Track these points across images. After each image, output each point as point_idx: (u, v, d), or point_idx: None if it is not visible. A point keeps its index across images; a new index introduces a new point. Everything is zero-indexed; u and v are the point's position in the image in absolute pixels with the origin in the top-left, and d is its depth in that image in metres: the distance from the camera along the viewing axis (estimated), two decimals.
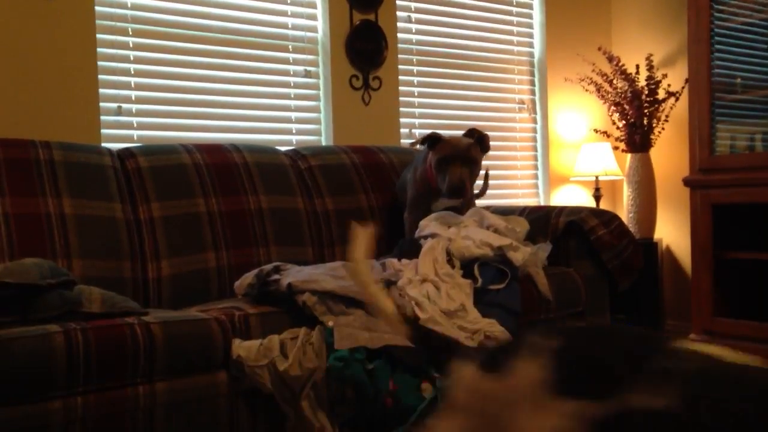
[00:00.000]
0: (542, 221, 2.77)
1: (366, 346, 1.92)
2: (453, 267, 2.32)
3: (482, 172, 2.87)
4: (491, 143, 3.97)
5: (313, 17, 3.39)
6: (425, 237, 2.49)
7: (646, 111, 3.89)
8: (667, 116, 3.96)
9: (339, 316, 2.00)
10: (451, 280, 2.24)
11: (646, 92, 3.89)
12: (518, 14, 4.12)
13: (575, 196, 4.25)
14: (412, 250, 2.43)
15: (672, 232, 4.10)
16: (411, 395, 1.96)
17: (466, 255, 2.39)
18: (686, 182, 3.39)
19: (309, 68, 3.39)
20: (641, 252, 2.75)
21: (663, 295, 4.02)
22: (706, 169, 3.32)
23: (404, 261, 2.37)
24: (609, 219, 2.70)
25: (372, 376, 1.90)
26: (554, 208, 2.82)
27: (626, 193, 3.99)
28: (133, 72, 2.93)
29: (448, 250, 2.36)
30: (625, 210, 4.01)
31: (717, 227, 3.30)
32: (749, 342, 3.15)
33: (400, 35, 3.63)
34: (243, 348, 1.90)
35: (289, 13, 3.32)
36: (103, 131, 2.84)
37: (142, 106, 2.95)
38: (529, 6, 4.17)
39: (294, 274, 2.11)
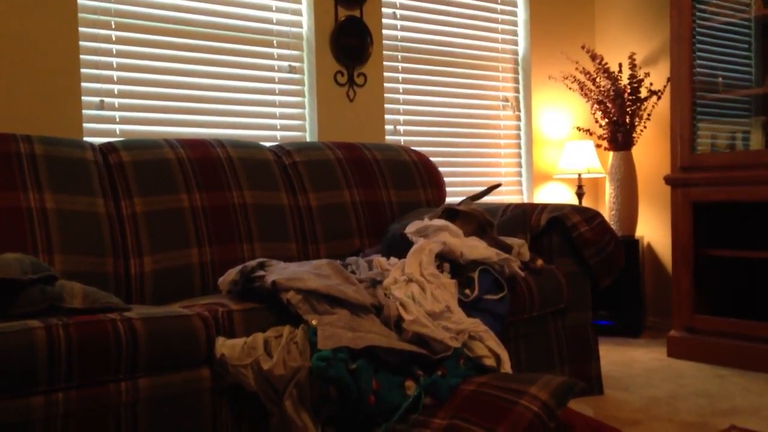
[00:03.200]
0: (524, 218, 2.78)
1: (349, 346, 1.92)
2: (442, 271, 2.32)
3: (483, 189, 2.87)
4: (475, 140, 4.01)
5: (298, 12, 3.38)
6: (417, 234, 2.47)
7: (628, 109, 3.92)
8: (649, 115, 3.99)
9: (323, 316, 2.00)
10: (436, 280, 2.24)
11: (629, 91, 3.92)
12: (503, 12, 4.14)
13: (558, 194, 4.28)
14: (401, 247, 2.43)
15: (653, 229, 4.14)
16: (394, 394, 1.97)
17: (474, 255, 2.38)
18: (667, 180, 3.42)
19: (293, 64, 3.38)
20: (623, 249, 2.77)
21: (644, 292, 4.06)
22: (687, 167, 3.35)
23: (392, 260, 2.37)
24: (591, 216, 2.72)
25: (355, 376, 1.90)
26: (537, 205, 2.84)
27: (608, 190, 4.02)
28: (115, 66, 2.90)
29: (439, 253, 2.36)
30: (607, 208, 4.04)
31: (697, 225, 3.33)
32: (729, 339, 3.19)
33: (384, 31, 3.63)
34: (226, 347, 1.89)
35: (274, 8, 3.31)
36: (85, 125, 2.82)
37: (125, 101, 2.93)
38: (514, 4, 4.18)
39: (279, 272, 2.10)
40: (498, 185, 2.89)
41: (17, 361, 1.60)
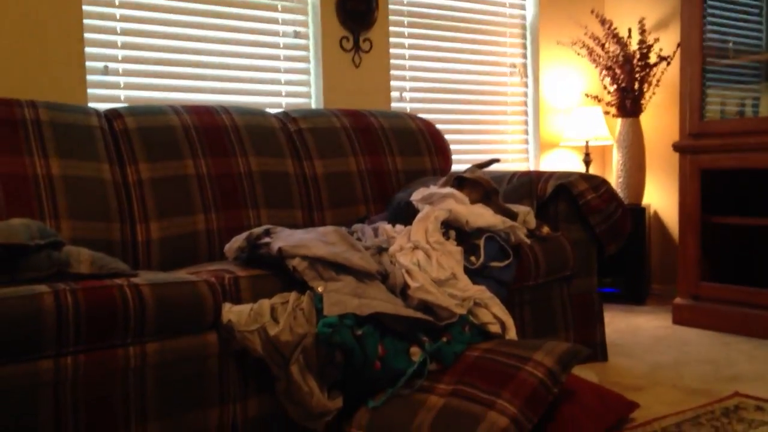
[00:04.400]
0: (531, 185, 2.77)
1: (355, 313, 1.93)
2: (448, 238, 2.32)
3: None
4: (481, 107, 3.98)
5: None
6: (423, 201, 2.47)
7: (637, 75, 3.88)
8: (658, 81, 3.95)
9: (329, 282, 2.01)
10: (441, 247, 2.24)
11: (638, 56, 3.87)
12: None
13: (565, 161, 4.26)
14: (406, 215, 2.43)
15: (660, 197, 4.12)
16: (400, 359, 1.98)
17: (480, 222, 2.38)
18: (676, 147, 3.40)
19: (298, 29, 3.34)
20: (629, 216, 2.77)
21: (650, 260, 4.06)
22: (695, 134, 3.32)
23: (398, 227, 2.37)
24: (598, 184, 2.71)
25: (361, 342, 1.91)
26: (543, 172, 2.82)
27: (616, 158, 4.00)
28: (119, 31, 2.88)
29: (445, 220, 2.36)
30: (614, 175, 4.02)
31: (705, 192, 3.32)
32: (735, 306, 3.19)
33: None
34: (233, 313, 1.90)
35: None
36: (90, 91, 2.80)
37: (129, 66, 2.91)
38: None
39: (285, 238, 2.10)
40: (497, 160, 2.87)
41: (25, 325, 1.61)
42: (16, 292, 1.64)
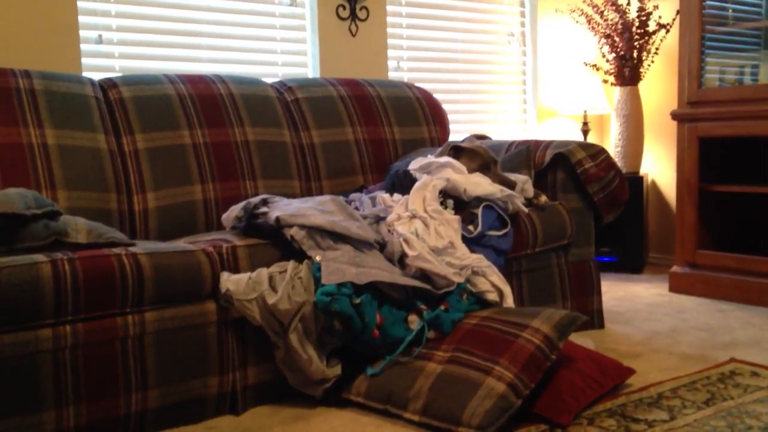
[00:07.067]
0: (529, 154, 2.76)
1: (353, 282, 1.93)
2: (445, 207, 2.32)
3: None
4: (479, 76, 3.95)
5: None
6: (421, 170, 2.47)
7: (636, 43, 3.85)
8: (657, 49, 3.92)
9: (326, 251, 2.01)
10: (439, 216, 2.24)
11: (637, 24, 3.84)
12: None
13: (563, 130, 4.24)
14: (404, 184, 2.43)
15: (658, 166, 4.11)
16: (398, 327, 1.99)
17: (478, 191, 2.38)
18: (674, 116, 3.38)
19: None
20: (627, 185, 2.76)
21: (647, 229, 4.06)
22: (694, 102, 3.31)
23: (396, 196, 2.37)
24: (596, 152, 2.70)
25: (359, 310, 1.92)
26: (541, 141, 2.82)
27: (614, 127, 3.98)
28: None
29: (443, 189, 2.35)
30: (612, 144, 4.01)
31: (703, 161, 3.31)
32: (731, 274, 3.20)
33: None
34: (232, 282, 1.91)
35: None
36: (84, 61, 2.77)
37: (124, 35, 2.88)
38: None
39: (282, 208, 2.10)
40: (488, 138, 2.85)
41: (23, 294, 1.62)
42: (13, 261, 1.64)
